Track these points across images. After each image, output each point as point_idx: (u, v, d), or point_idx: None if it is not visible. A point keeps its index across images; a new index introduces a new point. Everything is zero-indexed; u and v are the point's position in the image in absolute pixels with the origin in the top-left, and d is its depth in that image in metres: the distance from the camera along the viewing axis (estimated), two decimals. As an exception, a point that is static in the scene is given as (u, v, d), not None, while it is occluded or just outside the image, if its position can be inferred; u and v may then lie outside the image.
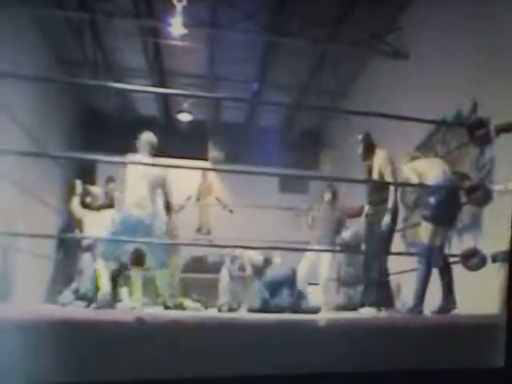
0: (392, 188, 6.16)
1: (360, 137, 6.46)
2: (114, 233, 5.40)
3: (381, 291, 6.15)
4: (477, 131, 4.67)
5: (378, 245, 6.19)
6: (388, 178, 6.21)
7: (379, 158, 6.29)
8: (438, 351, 3.24)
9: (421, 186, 5.77)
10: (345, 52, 11.55)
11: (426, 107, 8.37)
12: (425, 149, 9.23)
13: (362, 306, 6.22)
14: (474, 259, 4.77)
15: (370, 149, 6.41)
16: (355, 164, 7.04)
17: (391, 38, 10.62)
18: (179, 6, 9.95)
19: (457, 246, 7.63)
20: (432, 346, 3.25)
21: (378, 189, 6.30)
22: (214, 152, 15.57)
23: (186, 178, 13.06)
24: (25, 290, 7.26)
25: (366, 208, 6.53)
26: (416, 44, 10.01)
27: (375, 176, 6.27)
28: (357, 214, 8.30)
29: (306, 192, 15.32)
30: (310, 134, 16.35)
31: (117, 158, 6.26)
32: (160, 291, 5.66)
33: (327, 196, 8.21)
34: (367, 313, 5.98)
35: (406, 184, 6.39)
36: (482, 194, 4.72)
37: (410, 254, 6.94)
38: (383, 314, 5.97)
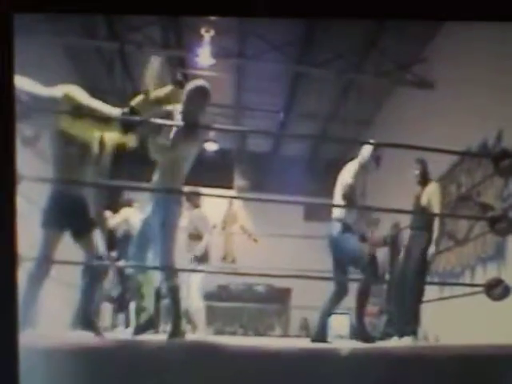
0: (437, 218, 6.29)
1: (416, 161, 6.54)
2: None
3: (416, 320, 6.16)
4: (501, 162, 4.65)
5: (416, 271, 6.20)
6: (436, 209, 6.34)
7: (431, 188, 6.42)
8: (459, 381, 3.22)
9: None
10: (370, 81, 11.60)
11: (451, 136, 8.37)
12: (448, 180, 9.21)
13: (401, 335, 6.16)
14: (497, 289, 4.72)
15: (425, 174, 6.52)
16: (379, 191, 7.06)
17: (416, 68, 10.68)
18: (207, 37, 10.13)
19: (480, 275, 7.59)
20: (453, 376, 3.24)
21: (423, 216, 6.41)
22: (239, 181, 15.65)
23: (211, 207, 13.14)
24: (50, 317, 7.30)
25: (409, 232, 6.57)
26: (441, 73, 10.01)
27: (424, 203, 6.36)
28: (381, 243, 8.32)
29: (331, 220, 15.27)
30: (336, 163, 16.36)
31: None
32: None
33: None
34: (405, 342, 5.94)
35: (447, 215, 6.42)
36: (505, 224, 4.69)
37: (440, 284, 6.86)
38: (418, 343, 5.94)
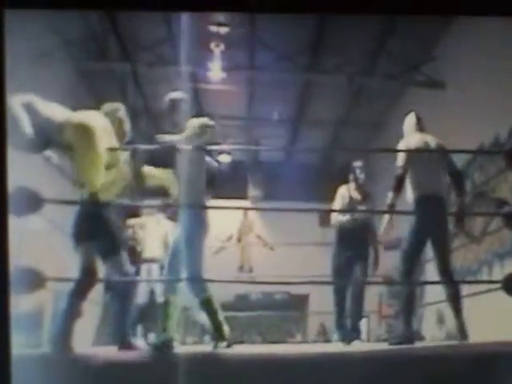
0: None
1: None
2: None
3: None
4: (515, 157, 4.70)
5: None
6: None
7: None
8: (466, 380, 3.26)
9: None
10: (381, 85, 11.65)
11: (464, 135, 8.41)
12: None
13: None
14: (516, 284, 4.72)
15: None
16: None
17: (426, 68, 10.72)
18: (217, 51, 10.24)
19: (498, 271, 7.60)
20: (460, 374, 3.27)
21: None
22: (253, 191, 15.72)
23: (227, 218, 13.21)
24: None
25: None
26: (452, 72, 10.03)
27: None
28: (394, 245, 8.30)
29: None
30: (348, 169, 16.40)
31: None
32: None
33: None
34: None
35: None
36: (522, 219, 4.71)
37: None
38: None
